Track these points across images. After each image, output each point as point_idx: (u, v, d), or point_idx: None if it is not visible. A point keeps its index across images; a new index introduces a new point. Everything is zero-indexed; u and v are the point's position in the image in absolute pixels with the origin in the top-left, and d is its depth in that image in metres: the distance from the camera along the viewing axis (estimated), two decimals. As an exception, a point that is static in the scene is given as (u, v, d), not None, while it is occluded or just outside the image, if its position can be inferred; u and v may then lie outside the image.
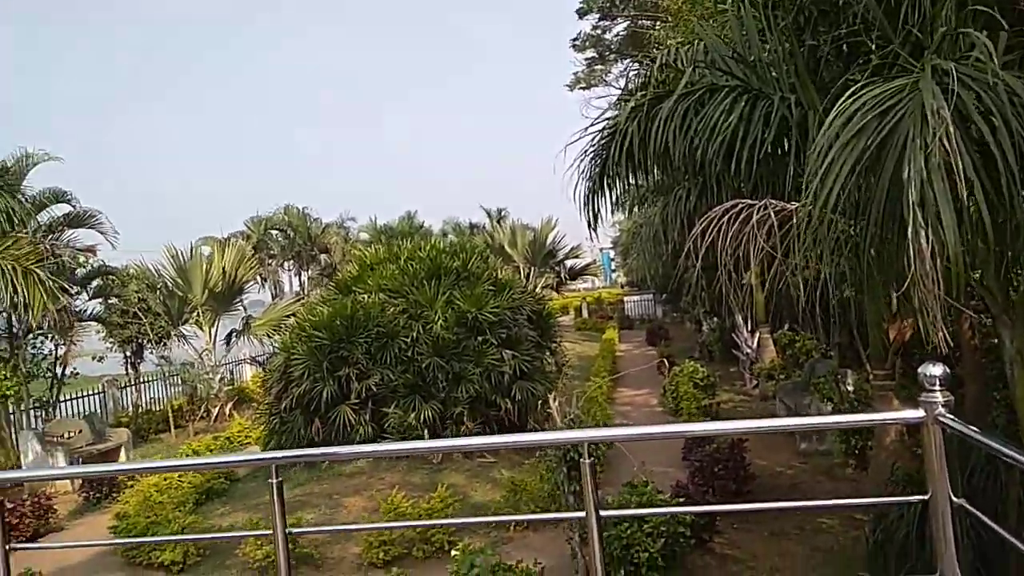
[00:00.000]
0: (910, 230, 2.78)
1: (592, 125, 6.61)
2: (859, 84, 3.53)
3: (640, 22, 28.61)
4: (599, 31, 31.60)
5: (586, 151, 6.85)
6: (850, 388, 10.36)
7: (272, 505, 3.55)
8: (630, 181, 6.66)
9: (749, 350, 16.98)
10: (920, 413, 2.85)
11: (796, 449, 11.45)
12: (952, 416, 2.78)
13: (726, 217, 5.04)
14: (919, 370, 2.87)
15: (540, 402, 11.78)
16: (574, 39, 32.25)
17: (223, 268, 17.99)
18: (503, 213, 39.39)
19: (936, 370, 2.83)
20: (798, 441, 11.41)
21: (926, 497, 2.91)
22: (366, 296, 12.05)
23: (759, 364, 16.18)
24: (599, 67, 34.48)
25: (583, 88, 35.00)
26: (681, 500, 7.44)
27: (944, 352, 3.14)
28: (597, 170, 6.54)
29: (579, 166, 6.85)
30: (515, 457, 11.55)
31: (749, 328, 17.28)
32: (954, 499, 2.83)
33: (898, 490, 6.80)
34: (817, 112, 5.20)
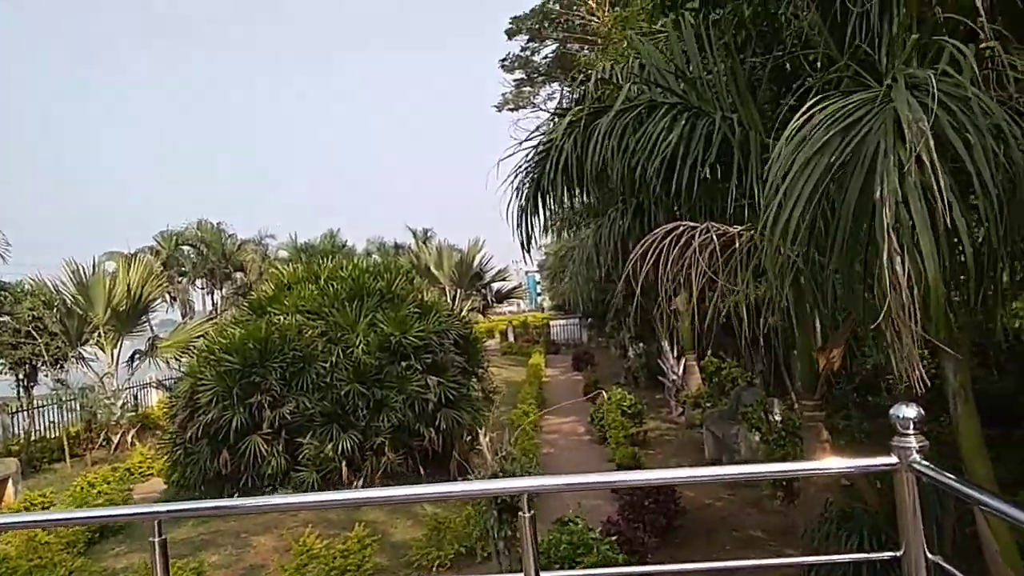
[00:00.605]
0: (884, 256, 2.50)
1: (526, 140, 6.30)
2: (815, 99, 3.28)
3: (569, 45, 28.81)
4: (527, 52, 31.70)
5: (520, 168, 6.51)
6: (777, 418, 10.28)
7: (154, 567, 3.00)
8: (564, 201, 6.33)
9: (675, 376, 16.91)
10: (892, 460, 2.55)
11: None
12: (928, 463, 2.50)
13: (667, 240, 4.76)
14: (891, 412, 2.58)
15: (466, 431, 11.31)
16: (503, 60, 32.27)
17: (127, 285, 16.85)
18: (429, 233, 38.84)
19: (910, 412, 2.54)
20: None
21: (898, 553, 2.61)
22: (282, 318, 11.37)
23: (685, 391, 16.11)
24: (527, 89, 34.60)
25: (511, 109, 35.03)
26: (614, 539, 7.07)
27: (919, 391, 2.85)
28: (531, 188, 6.20)
29: (512, 183, 6.49)
30: (438, 489, 11.02)
31: (675, 354, 17.24)
32: (930, 556, 2.54)
33: (833, 529, 6.62)
34: (759, 133, 5.00)
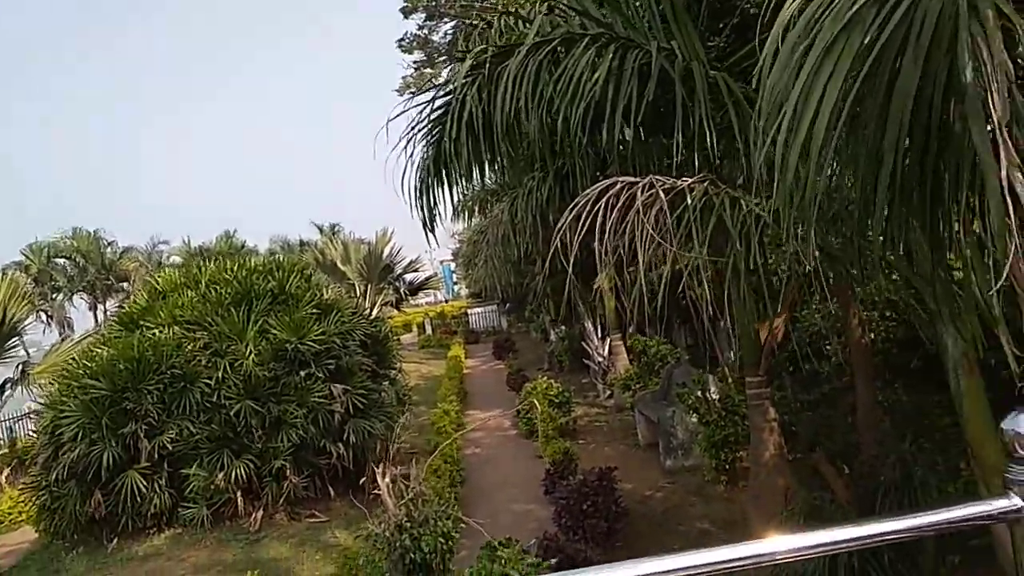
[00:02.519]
0: (987, 175, 1.56)
1: (419, 94, 5.20)
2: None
3: (469, 22, 27.58)
4: (425, 31, 30.28)
5: (417, 127, 5.36)
6: (714, 396, 9.53)
7: None
8: (472, 168, 5.21)
9: (600, 358, 16.14)
10: (1016, 502, 1.61)
11: (660, 466, 10.54)
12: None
13: (603, 200, 3.74)
14: (1004, 425, 1.63)
15: (380, 441, 10.11)
16: (400, 40, 30.74)
17: (-14, 308, 14.73)
18: (336, 228, 37.05)
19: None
20: (663, 457, 10.50)
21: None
22: (157, 331, 9.85)
23: (612, 373, 15.35)
24: (428, 70, 33.18)
25: (412, 93, 33.50)
26: (554, 561, 6.09)
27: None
28: (431, 153, 5.07)
29: (408, 151, 5.33)
30: (352, 511, 9.82)
31: (599, 335, 16.47)
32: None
33: (799, 527, 5.83)
34: (702, 64, 4.02)
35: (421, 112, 5.40)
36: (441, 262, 54.85)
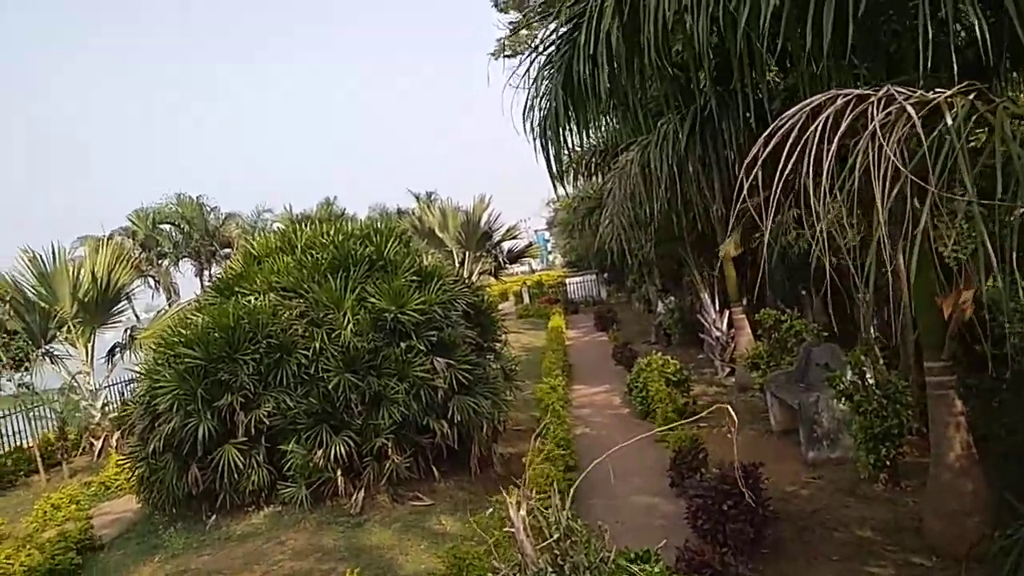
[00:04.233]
0: None
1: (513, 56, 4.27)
2: None
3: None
4: (522, -12, 29.02)
5: (541, 65, 4.34)
6: (870, 381, 8.19)
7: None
8: (608, 95, 4.16)
9: (719, 333, 14.86)
10: None
11: (801, 457, 9.31)
12: None
13: (816, 125, 2.66)
14: None
15: (486, 421, 9.32)
16: (495, -1, 29.57)
17: (92, 271, 14.83)
18: (433, 196, 36.71)
19: None
20: (804, 447, 9.26)
21: None
22: (252, 298, 9.34)
23: (735, 349, 14.06)
24: (524, 32, 31.95)
25: (508, 56, 32.45)
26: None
27: None
28: (558, 80, 4.05)
29: (527, 86, 4.34)
30: (459, 494, 9.10)
31: (717, 307, 15.17)
32: None
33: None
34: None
35: (546, 51, 4.43)
36: (536, 231, 54.06)
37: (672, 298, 20.09)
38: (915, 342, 9.09)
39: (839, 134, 2.56)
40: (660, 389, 11.47)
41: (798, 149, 2.72)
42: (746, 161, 2.85)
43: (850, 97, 2.64)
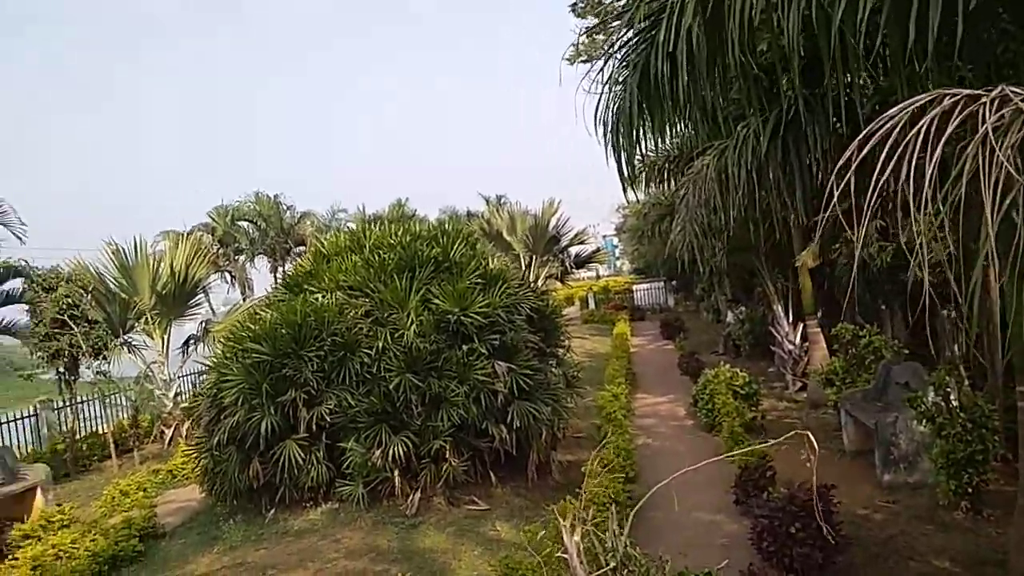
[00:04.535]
0: None
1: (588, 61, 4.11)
2: None
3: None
4: (600, -9, 28.75)
5: (616, 65, 4.18)
6: (954, 403, 7.70)
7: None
8: (687, 94, 3.95)
9: (791, 346, 14.34)
10: None
11: (875, 480, 8.84)
12: None
13: (918, 128, 2.42)
14: None
15: (546, 427, 9.17)
16: (572, 3, 29.40)
17: (171, 265, 15.33)
18: (503, 200, 36.77)
19: None
20: (879, 470, 8.80)
21: None
22: (320, 296, 9.43)
23: (807, 364, 13.54)
24: (600, 36, 31.68)
25: (584, 61, 32.23)
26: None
27: None
28: (634, 80, 3.89)
29: (604, 89, 4.18)
30: (516, 500, 8.97)
31: (790, 319, 14.64)
32: None
33: None
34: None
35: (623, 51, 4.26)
36: (604, 236, 53.61)
37: (743, 308, 19.55)
38: (1006, 363, 8.55)
39: (944, 137, 2.31)
40: (727, 402, 11.11)
41: (896, 154, 2.49)
42: (838, 165, 2.62)
43: (958, 97, 2.39)
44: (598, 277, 47.13)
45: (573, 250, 28.33)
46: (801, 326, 14.08)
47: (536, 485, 9.27)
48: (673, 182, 13.51)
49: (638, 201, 24.75)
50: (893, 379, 9.56)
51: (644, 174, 14.36)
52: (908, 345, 11.52)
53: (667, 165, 12.52)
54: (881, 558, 6.89)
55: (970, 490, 7.38)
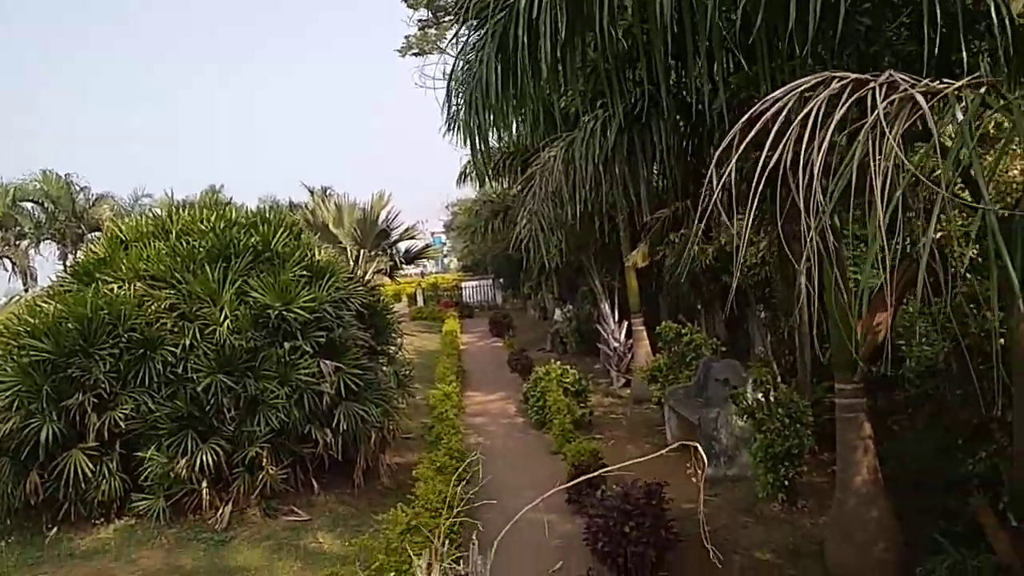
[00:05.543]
0: None
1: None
2: None
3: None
4: (432, -15, 28.40)
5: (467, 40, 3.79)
6: (772, 399, 8.06)
7: None
8: (548, 72, 3.64)
9: (617, 343, 14.71)
10: None
11: (688, 471, 9.11)
12: None
13: (811, 108, 2.23)
14: None
15: (375, 430, 8.63)
16: (404, -8, 28.77)
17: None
18: (328, 191, 35.30)
19: None
20: (693, 462, 9.06)
21: None
22: (116, 287, 8.29)
23: (632, 361, 13.92)
24: (432, 31, 31.29)
25: (415, 54, 31.74)
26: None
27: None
28: (491, 55, 3.50)
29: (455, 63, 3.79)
30: (340, 508, 8.36)
31: (616, 318, 15.02)
32: None
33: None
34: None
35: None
36: (432, 233, 53.19)
37: (570, 306, 19.93)
38: (812, 361, 9.12)
39: (833, 121, 2.15)
40: (558, 399, 11.12)
41: (770, 140, 2.30)
42: (718, 151, 2.40)
43: (847, 80, 2.25)
44: (423, 275, 46.65)
45: (403, 246, 27.62)
46: (626, 324, 14.48)
47: (363, 491, 8.71)
48: (509, 179, 13.38)
49: (471, 198, 24.52)
50: (713, 376, 9.94)
51: (480, 171, 14.16)
52: (725, 343, 12.12)
53: (505, 161, 12.35)
54: (705, 551, 7.01)
55: (786, 483, 7.74)
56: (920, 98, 2.15)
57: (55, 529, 7.75)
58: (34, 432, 7.41)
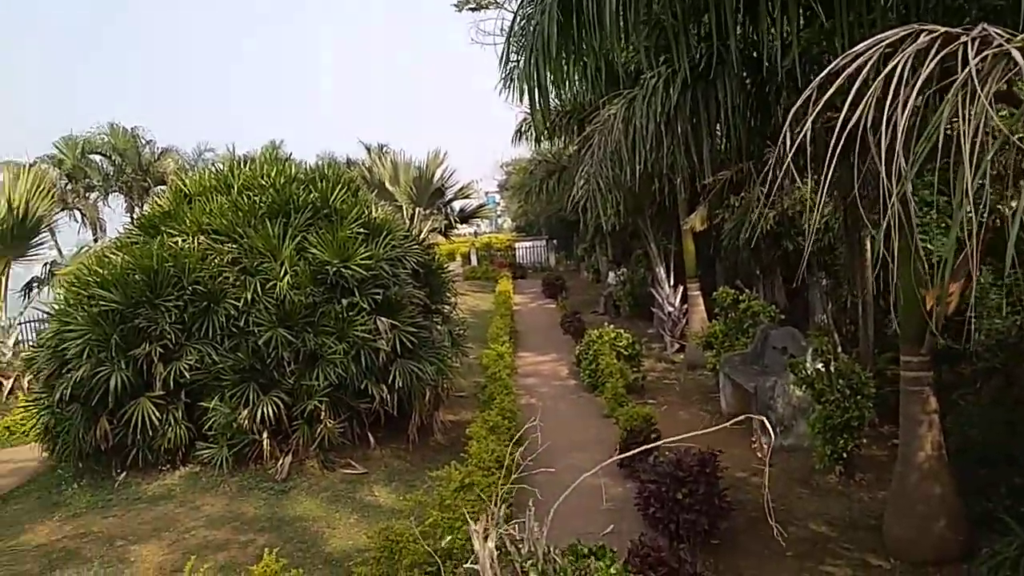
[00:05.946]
0: None
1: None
2: None
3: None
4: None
5: None
6: (832, 369, 7.85)
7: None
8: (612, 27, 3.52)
9: (672, 308, 14.52)
10: None
11: (753, 444, 9.01)
12: None
13: (896, 63, 2.10)
14: None
15: (430, 388, 8.73)
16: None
17: (8, 199, 13.61)
18: (385, 149, 35.47)
19: None
20: (758, 434, 8.96)
21: None
22: (180, 240, 8.50)
23: (686, 326, 13.74)
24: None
25: (472, 8, 31.33)
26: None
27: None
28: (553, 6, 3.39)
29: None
30: (395, 463, 8.53)
31: (671, 283, 14.81)
32: None
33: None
34: None
35: None
36: (486, 193, 53.10)
37: (624, 270, 19.72)
38: (874, 331, 8.86)
39: (920, 80, 2.01)
40: (611, 363, 11.06)
41: (850, 98, 2.18)
42: (793, 109, 2.28)
43: (936, 34, 2.09)
44: (476, 235, 46.72)
45: (457, 204, 27.67)
46: (682, 289, 14.26)
47: (417, 447, 8.85)
48: (565, 139, 13.18)
49: (525, 158, 24.29)
50: (771, 343, 9.75)
51: (536, 127, 13.98)
52: (784, 311, 11.86)
53: (562, 120, 12.15)
54: (762, 522, 6.92)
55: (844, 455, 7.57)
56: (1017, 54, 2.00)
57: (124, 474, 8.10)
58: (104, 380, 7.70)
